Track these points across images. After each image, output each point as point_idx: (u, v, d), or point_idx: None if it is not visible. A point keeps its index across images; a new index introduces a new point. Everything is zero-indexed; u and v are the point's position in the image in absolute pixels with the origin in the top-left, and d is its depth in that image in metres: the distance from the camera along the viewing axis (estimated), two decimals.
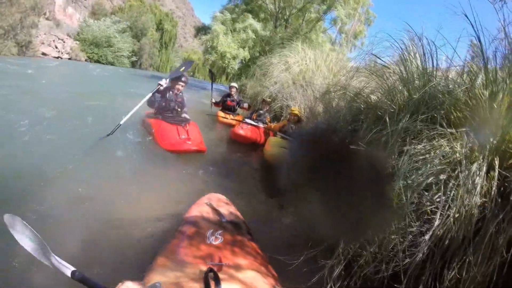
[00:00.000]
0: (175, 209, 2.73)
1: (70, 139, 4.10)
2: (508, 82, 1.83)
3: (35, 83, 7.65)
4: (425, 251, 1.46)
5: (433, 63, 2.60)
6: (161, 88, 4.79)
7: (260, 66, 8.83)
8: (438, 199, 1.49)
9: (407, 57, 2.91)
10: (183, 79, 4.97)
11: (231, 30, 18.50)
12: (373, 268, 1.55)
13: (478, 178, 1.53)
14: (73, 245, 2.18)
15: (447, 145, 1.66)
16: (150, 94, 4.75)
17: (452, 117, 1.97)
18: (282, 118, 6.42)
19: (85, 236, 2.36)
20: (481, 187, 1.53)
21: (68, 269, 1.16)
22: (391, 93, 2.81)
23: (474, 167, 1.54)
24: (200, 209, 2.12)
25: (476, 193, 1.48)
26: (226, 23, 18.48)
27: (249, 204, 3.27)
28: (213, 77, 8.50)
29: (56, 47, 20.20)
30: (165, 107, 4.82)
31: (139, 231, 2.53)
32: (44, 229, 1.71)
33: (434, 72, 2.52)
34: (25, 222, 1.24)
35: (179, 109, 4.91)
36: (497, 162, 1.58)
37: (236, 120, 6.64)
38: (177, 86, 4.90)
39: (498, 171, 1.56)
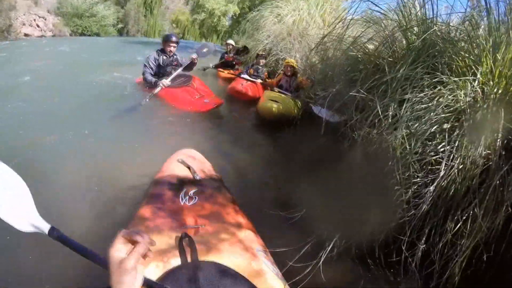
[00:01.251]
0: (149, 170, 2.49)
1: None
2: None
3: (25, 66, 7.44)
4: (429, 202, 1.45)
5: (433, 9, 2.49)
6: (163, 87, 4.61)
7: (251, 21, 8.53)
8: (442, 149, 1.46)
9: (406, 3, 2.79)
10: (173, 38, 4.88)
11: None
12: (378, 219, 1.56)
13: (481, 128, 1.50)
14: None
15: (450, 94, 1.61)
16: (155, 92, 4.58)
17: (454, 66, 1.90)
18: (278, 71, 6.28)
19: (64, 200, 2.36)
20: (485, 138, 1.50)
21: (45, 227, 1.03)
22: (390, 41, 2.72)
23: (478, 116, 1.50)
24: (172, 167, 1.98)
25: (480, 144, 1.45)
26: None
27: (228, 162, 3.16)
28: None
29: (38, 26, 19.42)
30: (164, 75, 4.76)
31: (114, 197, 2.46)
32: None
33: (434, 19, 2.41)
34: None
35: (172, 71, 4.79)
36: (502, 114, 1.53)
37: (233, 75, 6.61)
38: (169, 48, 4.79)
39: (502, 122, 1.51)
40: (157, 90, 4.54)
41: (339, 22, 3.95)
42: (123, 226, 1.40)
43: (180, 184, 1.75)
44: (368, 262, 1.74)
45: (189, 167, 1.91)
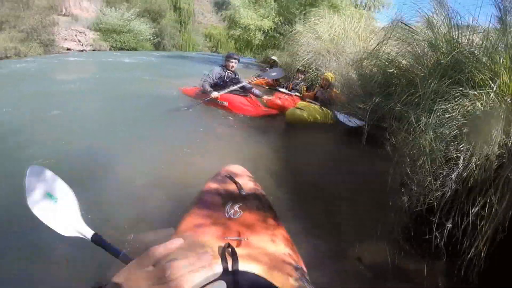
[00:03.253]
0: (197, 180, 2.57)
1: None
2: None
3: (70, 78, 8.12)
4: (452, 188, 1.88)
5: (457, 29, 2.92)
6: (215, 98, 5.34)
7: (288, 37, 9.09)
8: (462, 148, 1.90)
9: (434, 22, 3.22)
10: (235, 56, 5.63)
11: (252, 2, 18.42)
12: (414, 202, 2.01)
13: (495, 131, 1.92)
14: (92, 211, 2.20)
15: (470, 104, 2.04)
16: (208, 99, 5.38)
17: (476, 79, 2.32)
18: (315, 86, 6.75)
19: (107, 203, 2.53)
20: (499, 140, 1.91)
21: (89, 232, 1.17)
22: (421, 58, 3.15)
23: (492, 121, 1.92)
24: (219, 181, 2.04)
25: (493, 143, 1.87)
26: None
27: (271, 177, 3.24)
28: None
29: (79, 41, 20.56)
30: (224, 86, 5.48)
31: (161, 204, 2.63)
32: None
33: (460, 38, 2.84)
34: (54, 174, 1.25)
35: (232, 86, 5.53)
36: None
37: (272, 89, 7.17)
38: (231, 64, 5.55)
39: None
40: (208, 98, 5.30)
41: (374, 40, 4.40)
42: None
43: (227, 197, 1.81)
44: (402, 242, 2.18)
45: (236, 183, 1.97)
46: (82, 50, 19.91)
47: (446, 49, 2.84)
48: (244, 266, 1.19)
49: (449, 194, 1.89)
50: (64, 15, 21.76)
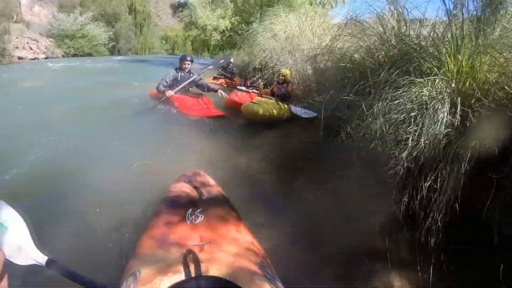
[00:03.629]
0: (156, 188, 2.60)
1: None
2: (467, 39, 2.31)
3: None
4: (404, 166, 2.01)
5: (406, 23, 3.08)
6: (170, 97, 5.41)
7: (246, 37, 9.17)
8: (410, 130, 2.02)
9: (385, 18, 3.39)
10: (188, 58, 5.73)
11: (208, 2, 18.40)
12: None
13: (441, 113, 2.05)
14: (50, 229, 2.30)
15: (417, 90, 2.17)
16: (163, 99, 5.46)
17: (424, 68, 2.46)
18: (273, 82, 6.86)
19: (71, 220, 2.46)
20: (445, 120, 2.05)
21: (43, 258, 1.12)
22: (372, 52, 3.30)
23: (438, 105, 2.06)
24: (180, 187, 2.06)
25: (440, 124, 2.00)
26: None
27: (233, 177, 3.22)
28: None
29: (31, 49, 19.40)
30: (176, 87, 5.54)
31: (121, 216, 2.56)
32: None
33: (408, 32, 3.00)
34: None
35: (191, 87, 5.69)
36: (459, 102, 2.09)
37: (231, 87, 7.24)
38: (184, 65, 5.66)
39: (461, 108, 2.07)
40: (164, 97, 5.39)
41: (327, 36, 4.54)
42: (132, 243, 1.60)
43: (187, 203, 1.82)
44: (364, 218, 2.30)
45: (195, 187, 2.00)
46: (35, 58, 18.82)
47: (395, 42, 2.99)
48: (208, 270, 1.19)
49: (402, 171, 2.01)
50: (16, 21, 20.48)
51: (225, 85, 8.02)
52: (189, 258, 1.24)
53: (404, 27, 3.12)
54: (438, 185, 1.98)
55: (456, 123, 2.07)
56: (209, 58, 25.19)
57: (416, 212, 2.04)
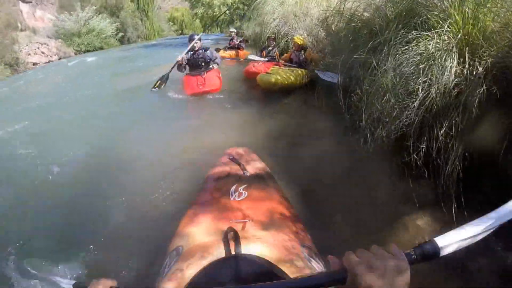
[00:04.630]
0: (198, 166, 2.79)
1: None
2: None
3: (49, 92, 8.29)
4: (419, 115, 2.21)
5: None
6: (180, 61, 6.15)
7: (255, 8, 9.21)
8: (419, 81, 2.20)
9: None
10: (195, 37, 6.15)
11: None
12: (384, 133, 2.35)
13: (449, 62, 2.21)
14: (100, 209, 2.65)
15: (424, 44, 2.32)
16: (172, 66, 6.36)
17: (431, 22, 2.58)
18: (289, 49, 6.97)
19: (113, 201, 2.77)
20: (455, 70, 2.20)
21: None
22: (380, 10, 3.40)
23: (445, 55, 2.21)
24: (223, 164, 2.09)
25: (448, 73, 2.17)
26: None
27: (270, 153, 3.22)
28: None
29: (43, 53, 19.72)
30: (192, 65, 6.22)
31: (163, 194, 2.82)
32: None
33: None
34: None
35: (203, 64, 6.14)
36: (466, 51, 2.23)
37: (247, 59, 7.43)
38: (194, 45, 6.12)
39: (469, 57, 2.21)
40: (174, 64, 6.28)
41: None
42: (177, 220, 1.63)
43: (231, 180, 1.84)
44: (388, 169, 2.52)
45: (239, 164, 2.02)
46: (49, 61, 19.17)
47: None
48: (248, 248, 1.19)
49: (416, 120, 2.22)
50: (21, 30, 20.84)
51: (242, 59, 8.26)
52: (230, 235, 1.23)
53: None
54: (453, 132, 2.14)
55: (466, 72, 2.21)
56: (220, 33, 25.11)
57: (435, 159, 2.23)
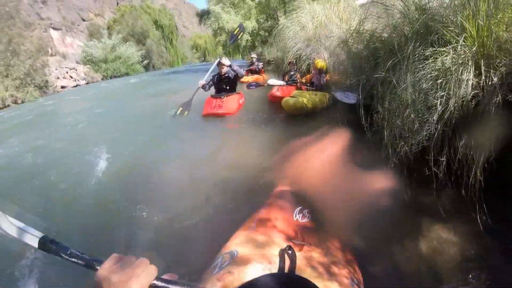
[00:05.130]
0: (252, 183, 3.00)
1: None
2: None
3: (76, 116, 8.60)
4: (438, 129, 2.30)
5: None
6: (202, 85, 6.68)
7: (275, 34, 9.54)
8: (438, 95, 2.30)
9: None
10: (222, 61, 6.57)
11: (231, 6, 18.84)
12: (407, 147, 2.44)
13: (466, 75, 2.31)
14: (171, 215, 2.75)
15: (441, 60, 2.44)
16: (194, 92, 6.73)
17: (446, 37, 2.70)
18: (310, 72, 7.15)
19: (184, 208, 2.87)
20: (471, 82, 2.30)
21: (34, 237, 0.80)
22: (397, 29, 3.54)
23: (461, 68, 2.32)
24: (290, 185, 2.10)
25: (465, 86, 2.27)
26: (224, 0, 18.85)
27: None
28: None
29: (71, 77, 20.79)
30: (217, 88, 6.68)
31: (236, 200, 2.91)
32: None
33: (427, 5, 3.22)
34: None
35: (227, 87, 6.53)
36: (481, 63, 2.32)
37: (268, 84, 7.68)
38: (220, 69, 6.59)
39: (484, 69, 2.31)
40: (197, 88, 6.73)
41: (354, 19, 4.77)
42: (237, 227, 1.63)
43: (298, 201, 1.84)
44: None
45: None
46: (76, 85, 20.09)
47: (418, 16, 3.22)
48: (301, 270, 1.20)
49: (436, 134, 2.30)
50: (51, 55, 22.09)
51: (266, 84, 8.53)
52: (287, 253, 1.23)
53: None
54: (473, 143, 2.21)
55: (482, 84, 2.30)
56: (241, 60, 25.68)
57: (457, 170, 2.30)
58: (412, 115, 2.36)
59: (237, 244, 1.42)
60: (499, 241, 2.09)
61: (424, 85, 2.37)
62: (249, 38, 19.12)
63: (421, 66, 2.49)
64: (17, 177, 4.23)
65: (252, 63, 11.46)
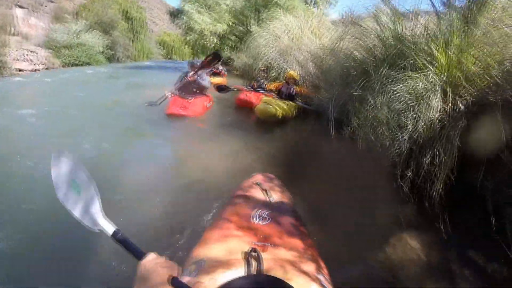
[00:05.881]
0: (223, 185, 2.95)
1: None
2: (454, 36, 2.73)
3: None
4: (407, 147, 2.46)
5: (400, 23, 3.49)
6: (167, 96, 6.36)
7: (246, 40, 9.62)
8: (409, 116, 2.46)
9: (380, 16, 3.79)
10: (193, 64, 6.73)
11: (204, 7, 18.77)
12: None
13: (434, 101, 2.48)
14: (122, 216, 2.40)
15: (413, 84, 2.61)
16: (161, 100, 6.34)
17: (418, 64, 2.88)
18: (278, 81, 7.29)
19: (139, 209, 2.78)
20: (439, 107, 2.48)
21: (110, 228, 1.15)
22: (371, 51, 3.72)
23: (430, 95, 2.49)
24: (249, 187, 2.14)
25: (433, 110, 2.44)
26: (199, 1, 18.74)
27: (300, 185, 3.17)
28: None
29: (31, 60, 19.55)
30: (184, 89, 6.47)
31: (189, 204, 2.88)
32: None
33: (403, 31, 3.42)
34: (79, 163, 1.23)
35: (197, 91, 6.44)
36: (449, 91, 2.52)
37: (239, 89, 7.70)
38: (192, 70, 6.58)
39: (451, 96, 2.51)
40: (165, 94, 6.37)
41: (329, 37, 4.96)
42: (199, 236, 1.64)
43: (255, 204, 1.88)
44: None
45: (265, 190, 2.06)
46: (35, 70, 18.84)
47: (393, 41, 3.40)
48: (269, 270, 1.22)
49: (405, 151, 2.48)
50: (13, 34, 20.67)
51: (235, 89, 8.52)
52: (252, 256, 1.26)
53: (400, 27, 3.52)
54: (437, 161, 2.39)
55: (448, 110, 2.50)
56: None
57: (420, 185, 2.47)
58: (386, 133, 2.50)
59: (204, 252, 1.44)
60: (458, 249, 2.29)
61: (397, 106, 2.51)
62: (217, 41, 19.12)
63: (395, 88, 2.63)
64: None
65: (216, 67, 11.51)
